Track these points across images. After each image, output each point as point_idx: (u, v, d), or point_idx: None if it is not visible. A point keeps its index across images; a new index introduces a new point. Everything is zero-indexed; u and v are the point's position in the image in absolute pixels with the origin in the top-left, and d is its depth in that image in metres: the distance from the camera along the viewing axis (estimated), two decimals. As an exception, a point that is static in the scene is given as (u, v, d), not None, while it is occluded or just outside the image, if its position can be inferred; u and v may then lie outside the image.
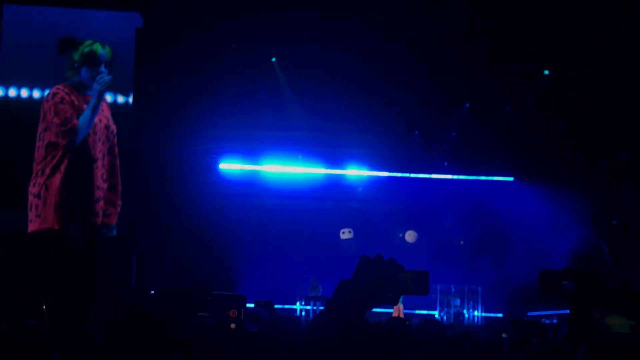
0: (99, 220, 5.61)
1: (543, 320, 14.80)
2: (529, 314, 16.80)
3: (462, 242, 20.21)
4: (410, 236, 20.17)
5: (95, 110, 5.59)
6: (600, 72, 16.77)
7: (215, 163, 19.07)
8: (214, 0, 14.72)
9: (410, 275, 2.24)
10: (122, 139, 5.85)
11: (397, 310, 17.55)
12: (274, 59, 18.00)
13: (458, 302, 18.65)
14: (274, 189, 19.60)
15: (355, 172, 20.22)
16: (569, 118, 17.74)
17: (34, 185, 5.59)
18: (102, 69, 5.72)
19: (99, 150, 5.66)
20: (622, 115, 16.96)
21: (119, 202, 5.79)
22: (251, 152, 19.43)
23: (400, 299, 17.55)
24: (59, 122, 5.50)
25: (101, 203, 5.65)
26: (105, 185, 5.72)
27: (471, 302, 18.77)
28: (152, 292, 14.85)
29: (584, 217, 17.11)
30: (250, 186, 19.51)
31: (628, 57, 16.10)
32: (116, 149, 5.87)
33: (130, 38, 13.02)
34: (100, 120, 5.72)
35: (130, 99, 14.22)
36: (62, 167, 5.55)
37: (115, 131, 5.85)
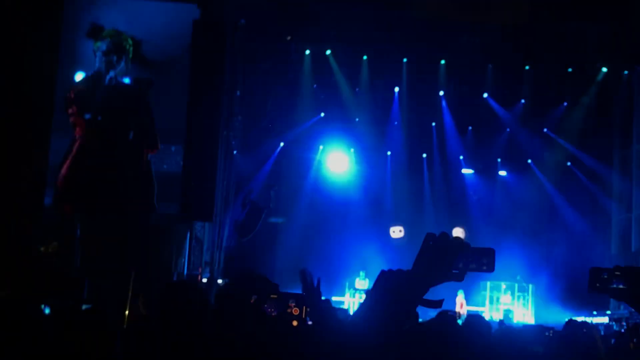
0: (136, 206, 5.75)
1: (592, 322, 14.61)
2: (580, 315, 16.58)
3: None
4: (458, 233, 20.01)
5: (97, 80, 5.75)
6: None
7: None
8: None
9: (476, 252, 2.28)
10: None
11: (460, 305, 17.44)
12: (328, 52, 18.01)
13: (508, 299, 18.48)
14: (329, 182, 19.78)
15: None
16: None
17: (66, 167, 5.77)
18: (111, 48, 5.92)
19: (117, 128, 5.81)
20: None
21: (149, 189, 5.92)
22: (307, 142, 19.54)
23: (463, 295, 17.55)
24: (75, 97, 5.72)
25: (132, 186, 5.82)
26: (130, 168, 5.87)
27: (521, 300, 18.57)
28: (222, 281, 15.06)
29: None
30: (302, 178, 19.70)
31: None
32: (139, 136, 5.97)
33: (188, 30, 13.13)
34: (116, 103, 5.88)
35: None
36: (84, 144, 5.75)
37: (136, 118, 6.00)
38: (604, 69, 17.76)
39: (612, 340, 8.19)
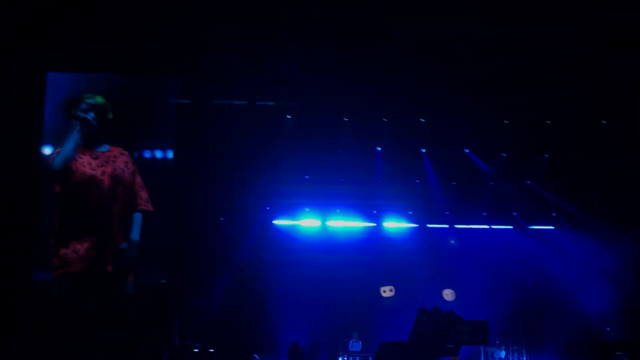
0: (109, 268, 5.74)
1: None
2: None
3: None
4: (447, 294, 19.87)
5: (69, 140, 5.73)
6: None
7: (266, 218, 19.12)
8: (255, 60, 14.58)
9: (469, 326, 2.27)
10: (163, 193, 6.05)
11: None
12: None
13: (502, 354, 18.34)
14: (314, 243, 19.65)
15: (393, 225, 20.18)
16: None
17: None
18: (87, 110, 5.93)
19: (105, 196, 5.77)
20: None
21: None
22: (292, 207, 19.51)
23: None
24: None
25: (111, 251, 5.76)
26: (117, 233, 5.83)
27: (516, 354, 18.44)
28: (196, 349, 14.91)
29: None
30: (291, 241, 19.60)
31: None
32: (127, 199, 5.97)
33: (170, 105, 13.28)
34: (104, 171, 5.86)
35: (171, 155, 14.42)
36: (67, 210, 5.72)
37: (126, 180, 5.97)
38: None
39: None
